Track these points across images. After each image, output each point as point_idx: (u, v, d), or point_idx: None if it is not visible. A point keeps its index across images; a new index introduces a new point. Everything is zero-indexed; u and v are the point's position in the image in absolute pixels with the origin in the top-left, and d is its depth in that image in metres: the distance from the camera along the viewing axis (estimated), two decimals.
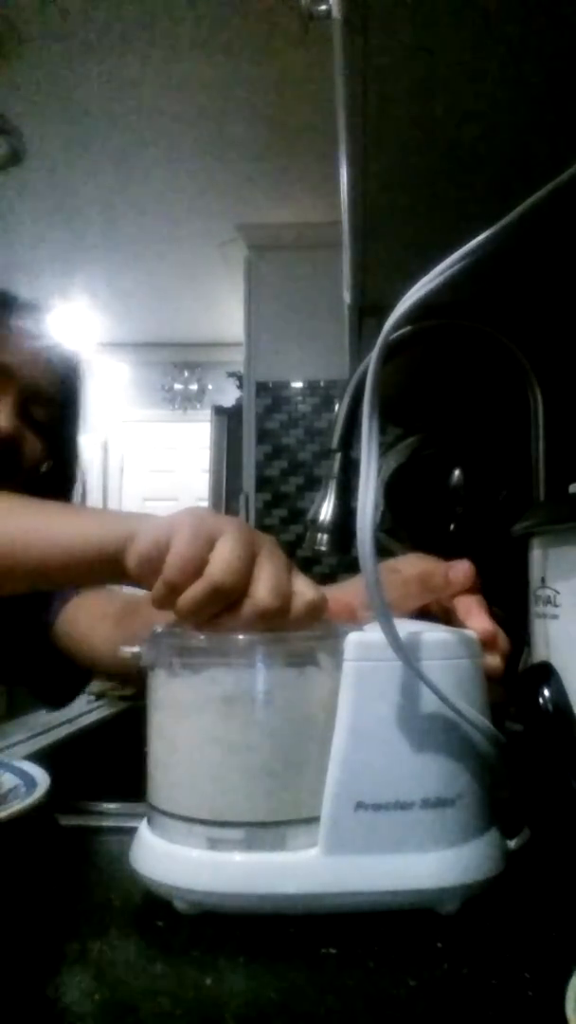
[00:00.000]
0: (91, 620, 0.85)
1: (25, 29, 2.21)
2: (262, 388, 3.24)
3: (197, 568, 0.43)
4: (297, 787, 0.41)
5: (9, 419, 0.82)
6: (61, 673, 0.89)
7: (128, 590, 0.61)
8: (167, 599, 0.43)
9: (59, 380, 0.90)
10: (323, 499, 0.90)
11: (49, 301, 0.95)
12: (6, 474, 0.83)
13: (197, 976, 0.36)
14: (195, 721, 0.42)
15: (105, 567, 0.49)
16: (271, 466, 3.21)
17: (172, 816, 0.42)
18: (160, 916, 0.41)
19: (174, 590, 0.43)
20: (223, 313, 4.27)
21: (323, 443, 3.13)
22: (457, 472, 1.23)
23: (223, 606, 0.43)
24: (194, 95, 2.53)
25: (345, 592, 0.51)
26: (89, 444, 0.99)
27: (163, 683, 0.44)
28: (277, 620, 0.43)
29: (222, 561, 0.43)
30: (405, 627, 0.42)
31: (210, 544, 0.43)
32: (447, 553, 0.53)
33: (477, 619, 0.50)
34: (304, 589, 0.44)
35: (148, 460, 5.31)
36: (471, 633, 0.46)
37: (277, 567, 0.44)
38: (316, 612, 0.44)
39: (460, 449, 1.26)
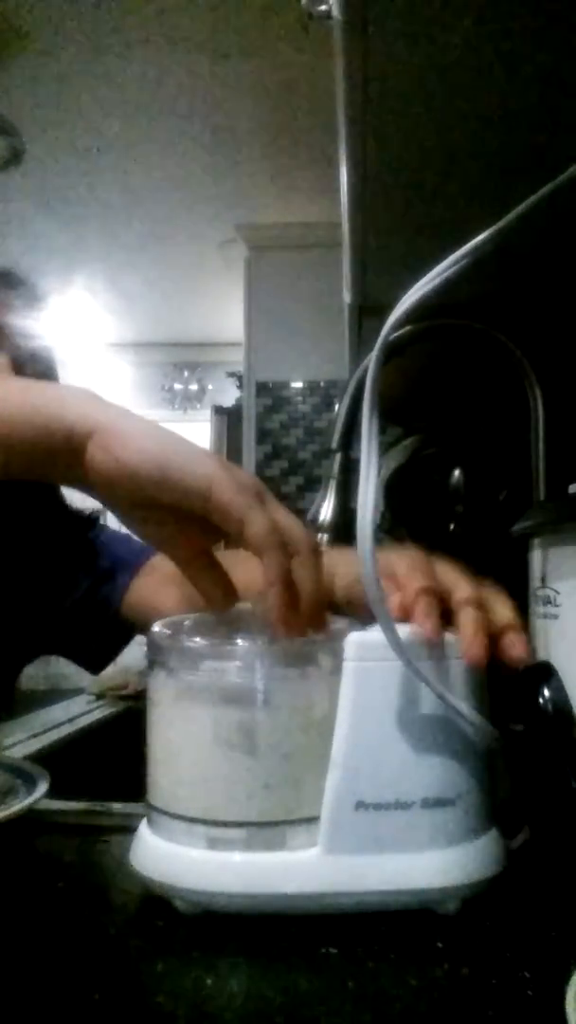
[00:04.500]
0: (157, 586, 0.85)
1: (25, 29, 2.21)
2: (262, 388, 3.25)
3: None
4: (297, 787, 0.41)
5: None
6: (101, 638, 0.90)
7: None
8: (286, 577, 0.42)
9: (45, 348, 0.90)
10: (323, 499, 0.91)
11: (48, 301, 0.96)
12: None
13: (197, 976, 0.36)
14: (195, 721, 0.42)
15: (50, 452, 0.43)
16: (271, 466, 3.21)
17: (172, 816, 0.42)
18: (160, 916, 0.41)
19: (285, 556, 0.42)
20: (223, 313, 4.27)
21: (323, 443, 3.13)
22: (457, 472, 1.23)
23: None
24: (194, 95, 2.53)
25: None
26: None
27: (163, 683, 0.44)
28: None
29: (293, 527, 0.43)
30: (405, 627, 0.42)
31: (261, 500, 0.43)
32: (447, 553, 0.53)
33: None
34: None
35: None
36: None
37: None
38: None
39: (460, 449, 1.26)
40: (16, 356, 0.84)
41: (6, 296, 0.87)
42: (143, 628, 0.85)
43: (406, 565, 0.48)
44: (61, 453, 0.44)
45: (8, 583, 0.87)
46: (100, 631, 0.89)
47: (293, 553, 0.43)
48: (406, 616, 0.44)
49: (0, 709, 0.96)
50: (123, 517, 0.48)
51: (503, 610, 0.46)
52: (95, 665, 0.96)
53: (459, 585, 0.46)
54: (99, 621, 0.88)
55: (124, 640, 0.91)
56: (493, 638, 0.43)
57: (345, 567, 0.57)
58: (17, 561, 0.88)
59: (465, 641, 0.42)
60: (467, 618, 0.43)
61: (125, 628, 0.88)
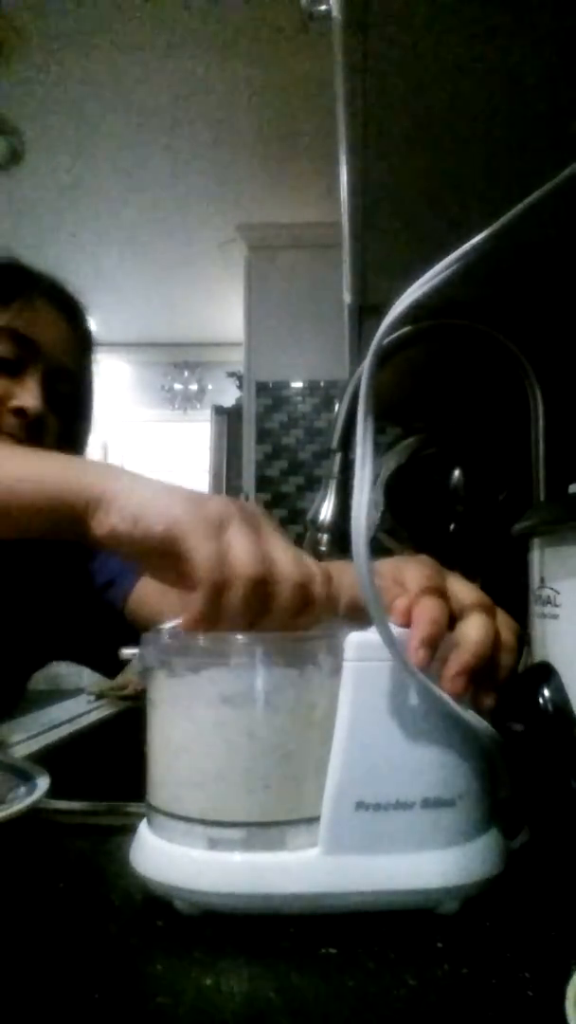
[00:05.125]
0: (161, 596, 0.85)
1: (25, 29, 2.21)
2: (262, 388, 3.25)
3: (224, 571, 0.42)
4: (297, 787, 0.41)
5: (37, 398, 0.82)
6: (110, 643, 0.91)
7: None
8: (214, 608, 0.42)
9: (80, 357, 0.91)
10: (323, 499, 0.91)
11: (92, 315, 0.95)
12: None
13: (197, 976, 0.36)
14: (195, 721, 0.42)
15: (63, 524, 0.47)
16: (271, 466, 3.21)
17: (172, 816, 0.42)
18: (160, 916, 0.41)
19: (220, 594, 0.42)
20: (223, 313, 4.27)
21: (323, 443, 3.13)
22: (457, 472, 1.23)
23: (260, 600, 0.43)
24: (194, 95, 2.53)
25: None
26: (90, 444, 1.03)
27: (163, 683, 0.44)
28: (307, 593, 0.43)
29: (243, 553, 0.42)
30: (402, 629, 0.42)
31: (224, 533, 0.43)
32: (447, 553, 0.53)
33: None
34: (304, 559, 0.45)
35: (148, 460, 5.32)
36: None
37: (282, 539, 0.44)
38: (327, 580, 0.44)
39: (460, 449, 1.26)
40: (48, 374, 0.84)
41: (49, 311, 0.87)
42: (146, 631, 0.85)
43: (416, 572, 0.48)
44: (70, 524, 0.47)
45: (17, 590, 0.87)
46: (108, 635, 0.90)
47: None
48: (410, 620, 0.43)
49: (7, 711, 0.97)
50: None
51: (505, 632, 0.46)
52: (108, 670, 0.97)
53: (468, 597, 0.46)
54: (106, 626, 0.89)
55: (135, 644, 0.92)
56: (480, 669, 0.43)
57: (349, 579, 0.56)
58: (26, 568, 0.89)
59: (449, 670, 0.42)
60: (466, 634, 0.43)
61: (133, 632, 0.88)
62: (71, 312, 0.91)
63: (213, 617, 0.42)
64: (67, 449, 0.90)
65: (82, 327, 0.93)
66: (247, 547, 0.42)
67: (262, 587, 0.42)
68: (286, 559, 0.43)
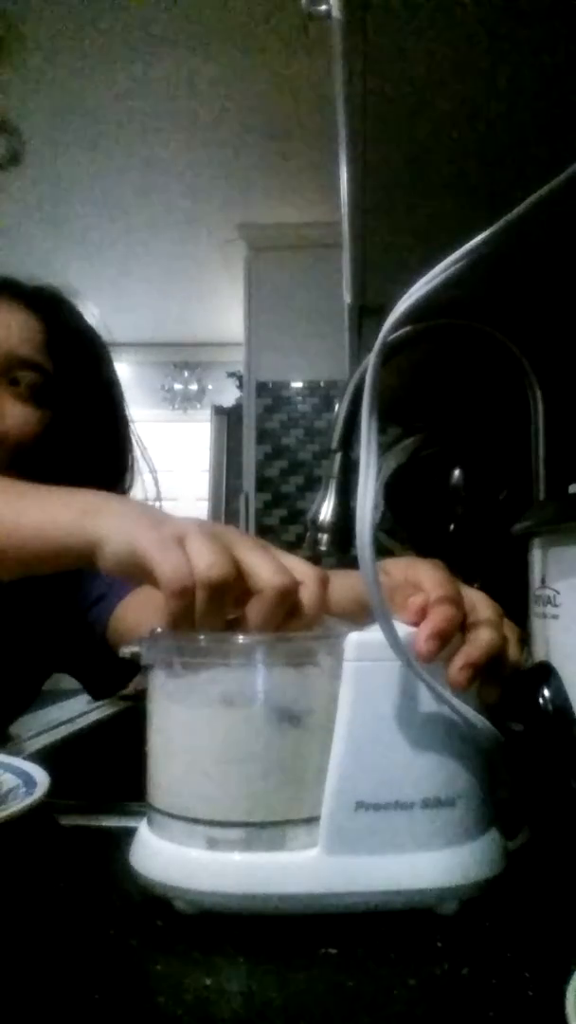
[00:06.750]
0: (138, 613, 0.85)
1: (26, 30, 2.21)
2: (262, 388, 3.25)
3: (189, 576, 0.42)
4: (297, 787, 0.41)
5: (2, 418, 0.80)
6: (107, 667, 0.91)
7: None
8: (182, 612, 0.43)
9: (62, 351, 0.86)
10: (323, 499, 0.91)
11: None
12: None
13: (197, 976, 0.36)
14: (195, 721, 0.42)
15: (72, 563, 0.50)
16: (271, 466, 3.22)
17: (172, 816, 0.42)
18: (160, 916, 0.41)
19: (184, 598, 0.43)
20: (223, 313, 4.28)
21: (323, 443, 3.13)
22: (457, 472, 1.23)
23: (228, 603, 0.43)
24: (194, 95, 2.53)
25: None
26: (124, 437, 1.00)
27: (163, 683, 0.44)
28: (291, 599, 0.43)
29: (200, 559, 0.43)
30: (405, 627, 0.42)
31: (181, 546, 0.44)
32: (447, 553, 0.53)
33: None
34: (298, 565, 0.45)
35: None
36: None
37: (259, 549, 0.44)
38: (322, 583, 0.44)
39: (460, 449, 1.26)
40: (13, 372, 0.82)
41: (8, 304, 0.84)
42: None
43: (432, 575, 0.48)
44: (78, 564, 0.50)
45: (17, 605, 0.88)
46: (93, 654, 0.90)
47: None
48: (421, 620, 0.43)
49: (20, 712, 0.97)
50: None
51: (512, 648, 0.46)
52: (97, 690, 0.97)
53: (482, 604, 0.47)
54: (90, 644, 0.89)
55: (127, 668, 0.92)
56: (487, 669, 0.43)
57: (350, 581, 0.56)
58: (28, 586, 0.89)
59: (456, 663, 0.42)
60: (478, 635, 0.44)
61: (114, 657, 0.89)
62: (38, 303, 0.87)
63: (183, 620, 0.43)
64: (92, 457, 0.88)
65: (60, 319, 0.88)
66: (206, 553, 0.43)
67: (223, 589, 0.43)
68: (263, 565, 0.43)
